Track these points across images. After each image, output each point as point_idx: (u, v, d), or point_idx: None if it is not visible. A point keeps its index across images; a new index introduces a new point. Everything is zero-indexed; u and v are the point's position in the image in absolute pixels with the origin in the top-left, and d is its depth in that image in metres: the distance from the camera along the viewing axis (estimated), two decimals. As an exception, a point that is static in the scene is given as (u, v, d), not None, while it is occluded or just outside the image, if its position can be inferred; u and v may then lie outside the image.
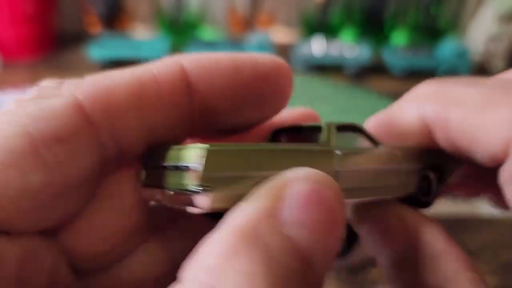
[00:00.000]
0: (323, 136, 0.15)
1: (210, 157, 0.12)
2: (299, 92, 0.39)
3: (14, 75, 0.62)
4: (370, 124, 0.18)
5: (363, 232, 0.17)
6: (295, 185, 0.12)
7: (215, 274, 0.10)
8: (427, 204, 0.17)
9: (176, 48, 0.69)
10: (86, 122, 0.13)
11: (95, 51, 0.61)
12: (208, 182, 0.12)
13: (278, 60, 0.17)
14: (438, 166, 0.17)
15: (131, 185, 0.15)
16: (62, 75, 0.60)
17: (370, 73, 0.65)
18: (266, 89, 0.16)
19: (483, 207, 0.40)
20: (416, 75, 0.64)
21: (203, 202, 0.12)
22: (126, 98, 0.14)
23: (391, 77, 0.64)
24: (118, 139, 0.14)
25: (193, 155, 0.13)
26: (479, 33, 0.66)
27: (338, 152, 0.14)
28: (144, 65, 0.15)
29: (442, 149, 0.16)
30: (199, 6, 0.69)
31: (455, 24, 0.73)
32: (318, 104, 0.37)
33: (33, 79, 0.60)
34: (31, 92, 0.14)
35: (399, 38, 0.75)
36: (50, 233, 0.14)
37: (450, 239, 0.16)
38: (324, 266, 0.12)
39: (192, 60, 0.15)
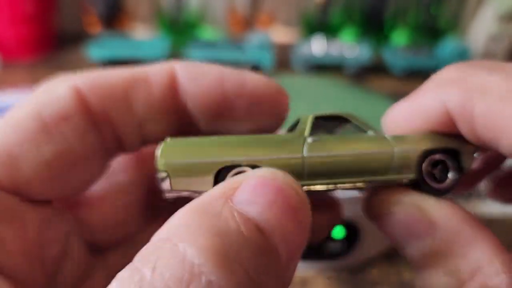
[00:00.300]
0: (300, 126, 0.17)
1: (167, 147, 0.15)
2: (300, 92, 0.39)
3: (14, 75, 0.62)
4: (393, 113, 0.17)
5: (382, 227, 0.17)
6: (252, 177, 0.13)
7: (171, 232, 0.12)
8: (440, 192, 0.16)
9: (176, 48, 0.70)
10: (84, 104, 0.15)
11: (95, 51, 0.62)
12: (166, 168, 0.15)
13: (271, 84, 0.17)
14: (452, 151, 0.17)
15: (134, 163, 0.17)
16: (62, 75, 0.59)
17: (370, 72, 0.65)
18: (256, 108, 0.17)
19: (484, 207, 0.40)
20: (417, 75, 0.64)
21: (167, 185, 0.15)
22: (119, 89, 0.16)
23: (391, 76, 0.64)
24: (113, 127, 0.16)
25: (158, 146, 0.16)
26: (479, 32, 0.66)
27: (309, 139, 0.16)
28: (141, 66, 0.17)
29: (458, 134, 0.16)
30: (199, 6, 0.69)
31: (456, 24, 0.73)
32: (319, 104, 0.37)
33: (33, 79, 0.60)
34: (40, 87, 0.16)
35: (399, 38, 0.75)
36: (64, 207, 0.17)
37: (476, 223, 0.15)
38: (286, 250, 0.12)
39: (184, 65, 0.17)
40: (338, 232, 0.29)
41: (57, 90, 0.15)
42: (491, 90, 0.14)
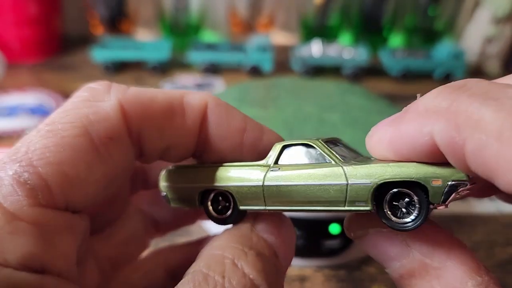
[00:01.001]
0: (271, 154, 0.18)
1: (166, 173, 0.20)
2: (299, 93, 0.40)
3: (19, 77, 0.63)
4: (377, 136, 0.16)
5: (361, 246, 0.18)
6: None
7: (222, 248, 0.17)
8: (403, 227, 0.15)
9: (178, 50, 0.71)
10: (128, 125, 0.17)
11: (99, 53, 0.62)
12: (164, 190, 0.20)
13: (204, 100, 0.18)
14: (417, 184, 0.15)
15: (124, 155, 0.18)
16: (66, 77, 0.61)
17: (368, 74, 0.66)
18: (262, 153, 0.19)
19: (478, 205, 0.41)
20: (413, 77, 0.65)
21: (167, 203, 0.20)
22: (158, 113, 0.17)
23: (388, 78, 0.65)
24: (142, 147, 0.18)
25: (161, 172, 0.20)
26: (475, 35, 0.67)
27: (271, 170, 0.18)
28: (175, 90, 0.18)
29: (444, 163, 0.14)
30: (200, 10, 0.70)
31: (452, 27, 0.74)
32: (318, 104, 0.38)
33: (37, 81, 0.61)
34: (82, 93, 0.17)
35: (396, 40, 0.76)
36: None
37: (452, 244, 0.15)
38: (286, 264, 0.18)
39: (215, 104, 0.19)
40: (335, 228, 0.30)
41: (104, 106, 0.16)
42: (484, 126, 0.13)
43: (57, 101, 0.56)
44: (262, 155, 0.19)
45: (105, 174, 0.16)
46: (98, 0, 0.68)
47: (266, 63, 0.63)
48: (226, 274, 0.15)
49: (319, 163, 0.17)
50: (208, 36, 0.76)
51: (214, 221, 0.19)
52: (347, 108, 0.37)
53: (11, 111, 0.53)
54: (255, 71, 0.63)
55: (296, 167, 0.17)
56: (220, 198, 0.19)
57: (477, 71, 0.69)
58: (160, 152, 0.18)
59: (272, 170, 0.17)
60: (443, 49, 0.64)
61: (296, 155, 0.18)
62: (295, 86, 0.42)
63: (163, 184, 0.20)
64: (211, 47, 0.65)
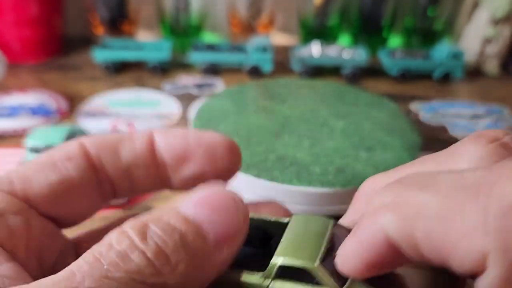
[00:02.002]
0: (267, 270, 0.17)
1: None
2: (298, 94, 0.40)
3: (20, 77, 0.63)
4: (343, 252, 0.17)
5: None
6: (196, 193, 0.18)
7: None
8: None
9: (178, 50, 0.71)
10: (85, 151, 0.20)
11: (100, 54, 0.63)
12: None
13: (222, 136, 0.21)
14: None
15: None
16: (67, 78, 0.61)
17: (367, 74, 0.66)
18: (211, 154, 0.21)
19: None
20: (412, 77, 0.65)
21: None
22: (111, 142, 0.21)
23: (387, 78, 0.65)
24: (106, 173, 0.21)
25: None
26: (474, 35, 0.67)
27: None
28: (140, 132, 0.22)
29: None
30: (201, 10, 0.70)
31: (451, 27, 0.74)
32: (317, 105, 0.38)
33: (39, 82, 0.62)
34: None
35: (395, 40, 0.76)
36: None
37: None
38: (215, 237, 0.16)
39: (159, 130, 0.22)
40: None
41: (68, 143, 0.21)
42: (426, 210, 0.13)
43: (58, 101, 0.56)
44: (217, 160, 0.21)
45: (60, 180, 0.19)
46: (98, 1, 0.68)
47: (266, 63, 0.63)
48: (117, 245, 0.14)
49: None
50: (208, 36, 0.76)
51: None
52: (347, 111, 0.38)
53: (12, 111, 0.53)
54: (255, 72, 0.64)
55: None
56: None
57: (476, 71, 0.69)
58: (125, 177, 0.21)
59: None
60: (442, 50, 0.64)
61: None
62: (295, 86, 0.42)
63: None
64: (211, 47, 0.65)
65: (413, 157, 0.31)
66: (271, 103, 0.38)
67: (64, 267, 0.15)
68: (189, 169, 0.21)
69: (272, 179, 0.29)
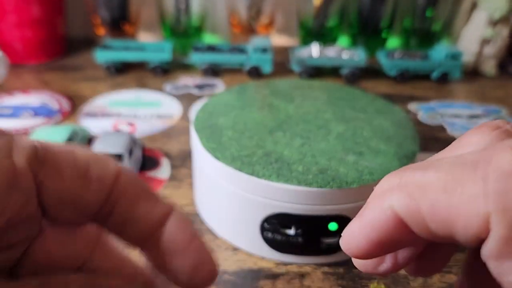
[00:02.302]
0: None
1: None
2: (297, 94, 0.40)
3: (22, 78, 0.63)
4: (347, 234, 0.17)
5: None
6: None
7: None
8: None
9: (179, 51, 0.71)
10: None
11: (101, 55, 0.63)
12: None
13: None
14: None
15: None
16: (69, 78, 0.62)
17: (366, 75, 0.66)
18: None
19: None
20: (411, 77, 0.66)
21: None
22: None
23: (386, 79, 0.66)
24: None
25: None
26: (472, 36, 0.68)
27: None
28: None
29: None
30: (201, 11, 0.71)
31: (449, 28, 0.75)
32: (316, 106, 0.38)
33: (41, 83, 0.62)
34: None
35: (394, 41, 0.77)
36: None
37: None
38: None
39: None
40: (334, 226, 0.31)
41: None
42: (430, 186, 0.14)
43: (60, 101, 0.56)
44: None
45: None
46: (100, 3, 0.68)
47: (266, 64, 0.64)
48: None
49: None
50: (209, 37, 0.77)
51: None
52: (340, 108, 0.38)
53: (15, 112, 0.54)
54: (255, 72, 0.64)
55: None
56: None
57: (474, 72, 0.70)
58: (59, 197, 0.16)
59: None
60: (440, 51, 0.65)
61: None
62: (308, 87, 0.42)
63: None
64: (212, 48, 0.66)
65: (404, 165, 0.31)
66: (278, 101, 0.39)
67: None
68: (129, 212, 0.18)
69: (252, 173, 0.30)
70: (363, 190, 0.29)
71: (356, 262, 0.19)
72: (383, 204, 0.16)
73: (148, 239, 0.17)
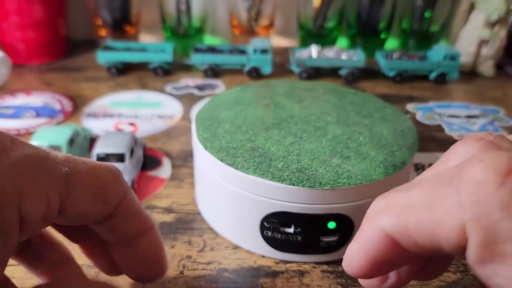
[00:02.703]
0: None
1: None
2: (297, 95, 0.41)
3: (24, 79, 0.64)
4: (347, 258, 0.19)
5: None
6: None
7: None
8: None
9: (180, 52, 0.72)
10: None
11: (102, 56, 0.64)
12: None
13: None
14: None
15: None
16: (71, 79, 0.63)
17: (364, 76, 0.67)
18: None
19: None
20: (409, 78, 0.66)
21: None
22: None
23: (384, 79, 0.66)
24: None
25: None
26: (470, 37, 0.68)
27: None
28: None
29: None
30: (202, 13, 0.71)
31: (447, 29, 0.75)
32: (316, 106, 0.39)
33: (42, 83, 0.63)
34: None
35: (393, 42, 0.77)
36: None
37: None
38: None
39: None
40: (333, 224, 0.32)
41: None
42: (413, 204, 0.16)
43: (62, 102, 0.57)
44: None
45: None
46: (102, 4, 0.69)
47: (266, 65, 0.64)
48: None
49: None
50: (209, 39, 0.78)
51: None
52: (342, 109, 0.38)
53: (17, 112, 0.54)
54: (255, 73, 0.65)
55: None
56: None
57: (472, 73, 0.70)
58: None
59: None
60: (438, 51, 0.65)
61: None
62: (322, 90, 0.42)
63: None
64: (212, 49, 0.66)
65: (387, 173, 0.30)
66: (286, 100, 0.39)
67: None
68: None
69: (232, 165, 0.31)
70: (363, 190, 0.30)
71: (362, 282, 0.21)
72: (375, 225, 0.17)
73: (126, 244, 0.22)
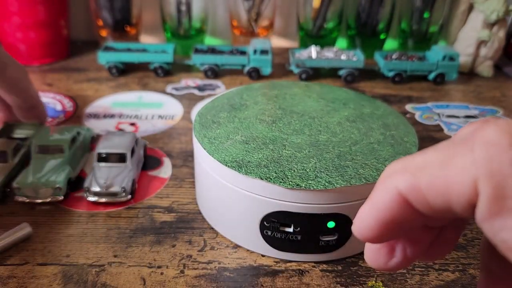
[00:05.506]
0: None
1: None
2: (297, 95, 0.41)
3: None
4: (359, 218, 0.19)
5: None
6: None
7: None
8: None
9: (181, 53, 0.72)
10: None
11: (103, 56, 0.64)
12: None
13: None
14: None
15: None
16: (73, 79, 0.63)
17: (364, 76, 0.67)
18: None
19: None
20: (408, 78, 0.67)
21: None
22: None
23: (383, 80, 0.67)
24: None
25: None
26: (469, 38, 0.69)
27: None
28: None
29: None
30: (203, 14, 0.72)
31: (446, 30, 0.76)
32: (315, 106, 0.39)
33: (44, 84, 0.63)
34: None
35: (391, 42, 0.78)
36: None
37: None
38: None
39: None
40: (333, 224, 0.32)
41: None
42: (428, 164, 0.16)
43: (63, 102, 0.57)
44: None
45: None
46: (103, 6, 0.69)
47: (266, 65, 0.64)
48: None
49: None
50: (210, 40, 0.78)
51: None
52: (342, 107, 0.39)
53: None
54: (255, 73, 0.65)
55: None
56: None
57: (470, 73, 0.70)
58: None
59: None
60: (437, 52, 0.65)
61: None
62: (345, 94, 0.43)
63: None
64: (212, 50, 0.66)
65: (369, 179, 0.30)
66: (287, 100, 0.40)
67: None
68: None
69: (209, 151, 0.33)
70: (362, 190, 0.30)
71: (367, 258, 0.20)
72: (389, 185, 0.17)
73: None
